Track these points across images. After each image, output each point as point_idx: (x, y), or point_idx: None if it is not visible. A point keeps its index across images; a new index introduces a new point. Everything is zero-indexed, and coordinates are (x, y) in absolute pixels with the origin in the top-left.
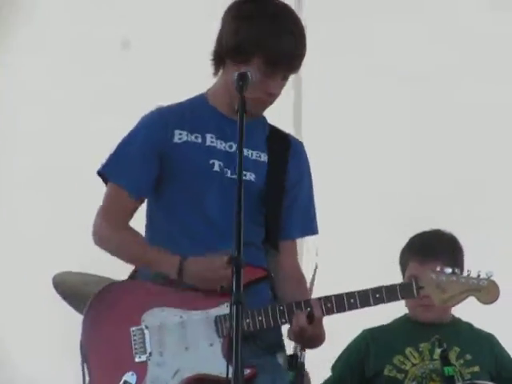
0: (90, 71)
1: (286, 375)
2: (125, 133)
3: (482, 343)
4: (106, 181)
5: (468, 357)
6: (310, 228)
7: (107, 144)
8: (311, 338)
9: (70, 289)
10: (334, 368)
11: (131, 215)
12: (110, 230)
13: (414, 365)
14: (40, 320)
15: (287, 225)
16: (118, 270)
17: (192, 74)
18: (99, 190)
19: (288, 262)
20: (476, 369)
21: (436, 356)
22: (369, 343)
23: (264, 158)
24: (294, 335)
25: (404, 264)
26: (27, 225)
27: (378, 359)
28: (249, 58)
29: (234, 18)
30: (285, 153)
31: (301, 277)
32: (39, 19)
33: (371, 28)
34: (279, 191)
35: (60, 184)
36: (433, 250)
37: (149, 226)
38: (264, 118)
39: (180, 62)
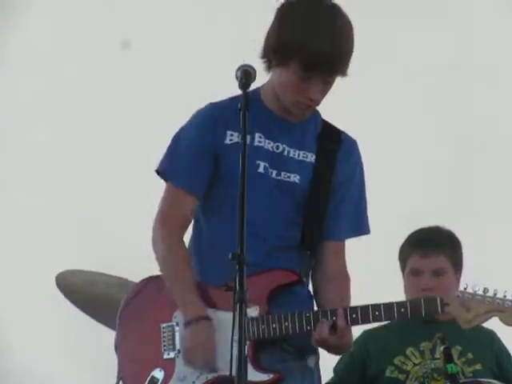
0: (89, 71)
1: (318, 379)
2: (125, 132)
3: (483, 340)
4: (164, 179)
5: (470, 355)
6: (359, 228)
7: (107, 143)
8: (334, 347)
9: (74, 289)
10: (335, 370)
11: (188, 217)
12: (162, 239)
13: (415, 365)
14: (42, 317)
15: (332, 225)
16: (125, 267)
17: (192, 74)
18: (102, 188)
19: (332, 263)
20: (478, 367)
21: (437, 355)
22: (368, 344)
23: (311, 158)
24: (316, 343)
25: (404, 260)
26: (30, 222)
27: (379, 360)
28: (286, 61)
29: (277, 18)
30: (334, 152)
31: (344, 279)
32: (39, 18)
33: (394, 32)
34: (325, 192)
35: (63, 182)
36: (434, 243)
37: (194, 228)
38: (317, 114)
39: (180, 62)
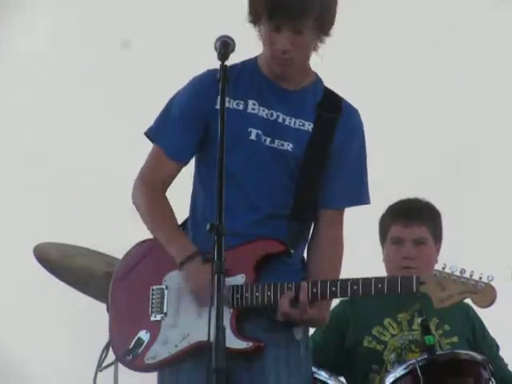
0: (89, 70)
1: (304, 351)
2: (123, 131)
3: (460, 313)
4: (151, 140)
5: (447, 327)
6: (357, 198)
7: (103, 140)
8: (299, 321)
9: (52, 259)
10: (313, 338)
11: (168, 179)
12: (143, 194)
13: (393, 336)
14: (21, 289)
15: (328, 194)
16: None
17: (192, 74)
18: (79, 163)
19: (326, 233)
20: (455, 339)
21: (415, 326)
22: (348, 314)
23: (308, 126)
24: (279, 317)
25: (385, 229)
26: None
27: (357, 330)
28: (258, 16)
29: None
30: (334, 120)
31: (335, 250)
32: (38, 17)
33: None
34: (321, 160)
35: (40, 157)
36: (416, 213)
37: (192, 194)
38: (318, 83)
39: (180, 62)
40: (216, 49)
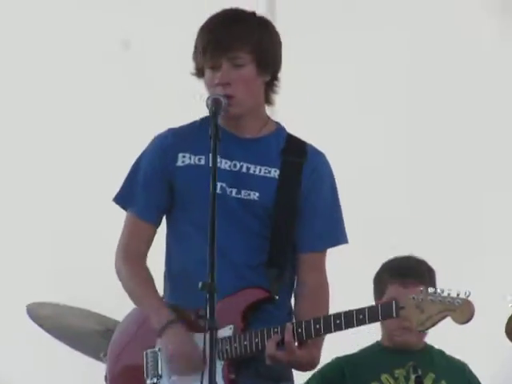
0: (89, 71)
1: None
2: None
3: (456, 370)
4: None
5: (443, 383)
6: (333, 239)
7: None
8: (287, 363)
9: (45, 319)
10: None
11: (147, 242)
12: (124, 264)
13: None
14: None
15: (302, 239)
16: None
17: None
18: (74, 216)
19: (307, 278)
20: None
21: (411, 382)
22: (344, 371)
23: (274, 173)
24: (267, 360)
25: (382, 288)
26: None
27: None
28: (200, 65)
29: None
30: (299, 165)
31: (319, 294)
32: (38, 17)
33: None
34: (291, 207)
35: (32, 212)
36: (413, 271)
37: (166, 252)
38: (280, 130)
39: (180, 62)
40: (207, 106)
